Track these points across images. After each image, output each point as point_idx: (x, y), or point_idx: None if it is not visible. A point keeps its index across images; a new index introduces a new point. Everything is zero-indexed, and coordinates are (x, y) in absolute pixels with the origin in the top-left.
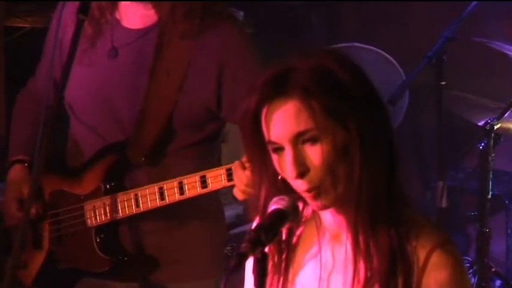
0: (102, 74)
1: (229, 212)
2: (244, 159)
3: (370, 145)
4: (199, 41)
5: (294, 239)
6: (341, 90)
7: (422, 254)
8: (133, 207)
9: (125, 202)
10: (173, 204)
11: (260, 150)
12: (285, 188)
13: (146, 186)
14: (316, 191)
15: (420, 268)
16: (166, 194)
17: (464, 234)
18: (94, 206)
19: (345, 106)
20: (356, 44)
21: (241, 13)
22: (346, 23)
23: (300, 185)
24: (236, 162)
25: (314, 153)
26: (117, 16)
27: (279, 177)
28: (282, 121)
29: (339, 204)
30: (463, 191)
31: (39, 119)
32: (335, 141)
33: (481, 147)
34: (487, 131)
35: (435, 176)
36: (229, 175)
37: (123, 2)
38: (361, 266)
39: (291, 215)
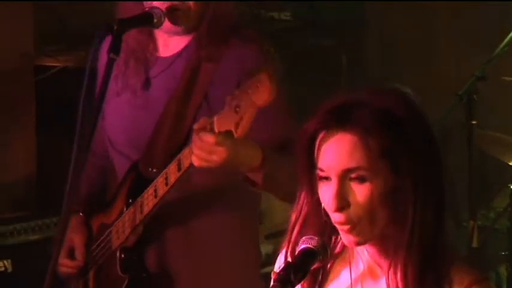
0: (138, 105)
1: None
2: (197, 125)
3: (423, 189)
4: (222, 63)
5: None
6: (401, 134)
7: None
8: (137, 214)
9: (135, 213)
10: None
11: (310, 173)
12: (326, 216)
13: (146, 191)
14: (352, 225)
15: None
16: (157, 189)
17: (495, 274)
18: (117, 228)
19: (401, 149)
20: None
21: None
22: (374, 63)
23: (337, 217)
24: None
25: (358, 192)
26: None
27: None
28: (335, 153)
29: (378, 243)
30: (494, 230)
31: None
32: (383, 184)
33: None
34: None
35: (466, 215)
36: None
37: (157, 33)
38: None
39: (320, 255)
